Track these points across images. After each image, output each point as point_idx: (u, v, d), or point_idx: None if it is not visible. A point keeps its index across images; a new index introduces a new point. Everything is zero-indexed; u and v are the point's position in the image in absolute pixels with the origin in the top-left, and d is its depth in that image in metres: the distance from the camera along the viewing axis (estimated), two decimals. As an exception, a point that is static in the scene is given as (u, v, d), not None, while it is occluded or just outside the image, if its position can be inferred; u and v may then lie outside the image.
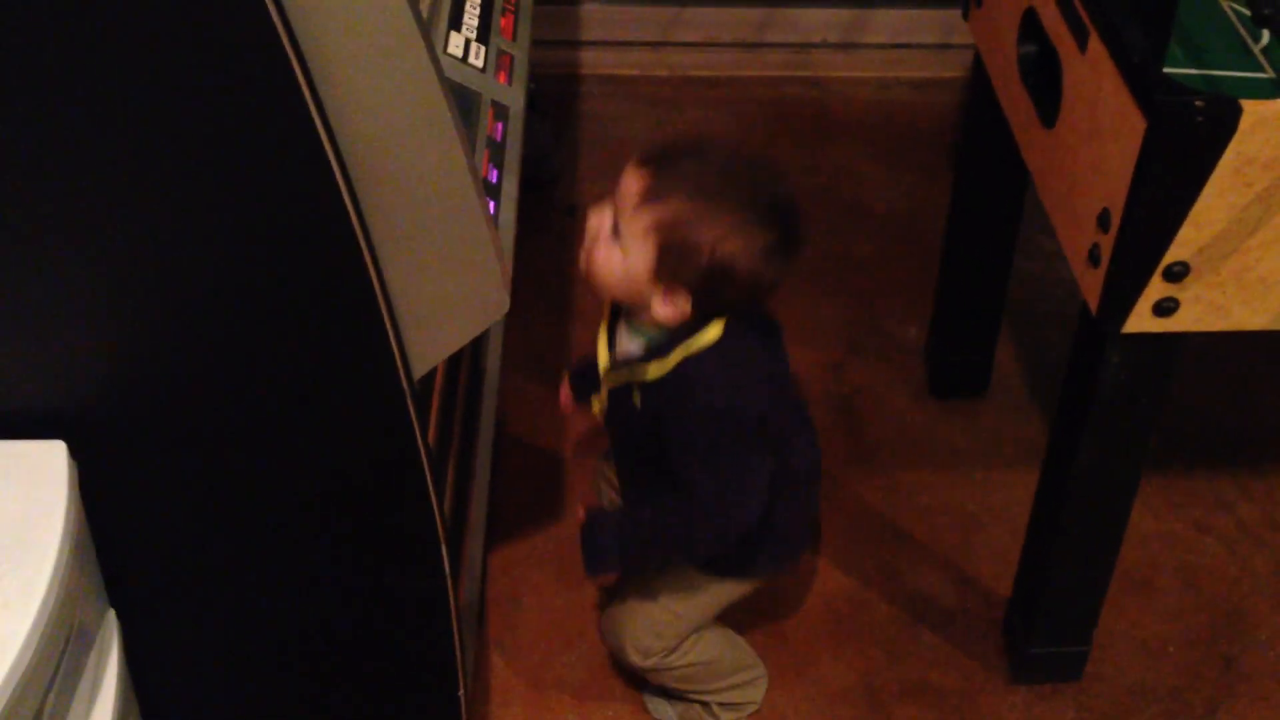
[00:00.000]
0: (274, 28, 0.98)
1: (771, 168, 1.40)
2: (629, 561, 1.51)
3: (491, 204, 1.29)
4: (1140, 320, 1.34)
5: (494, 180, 1.31)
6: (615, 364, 1.46)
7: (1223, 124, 1.21)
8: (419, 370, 1.21)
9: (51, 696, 1.14)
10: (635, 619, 1.58)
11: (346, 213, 1.08)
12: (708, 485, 1.42)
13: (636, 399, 1.44)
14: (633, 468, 1.60)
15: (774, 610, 1.78)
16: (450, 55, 1.36)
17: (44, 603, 1.10)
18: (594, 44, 2.76)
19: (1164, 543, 1.91)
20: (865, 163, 2.57)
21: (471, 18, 1.44)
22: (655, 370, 1.40)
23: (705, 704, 1.66)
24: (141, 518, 1.27)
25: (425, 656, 1.43)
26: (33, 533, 1.14)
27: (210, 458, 1.24)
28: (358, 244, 1.10)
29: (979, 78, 1.75)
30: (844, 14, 2.72)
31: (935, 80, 2.76)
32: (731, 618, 1.64)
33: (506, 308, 1.21)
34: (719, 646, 1.63)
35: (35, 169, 1.04)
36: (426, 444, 1.25)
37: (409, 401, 1.21)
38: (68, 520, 1.15)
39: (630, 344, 1.44)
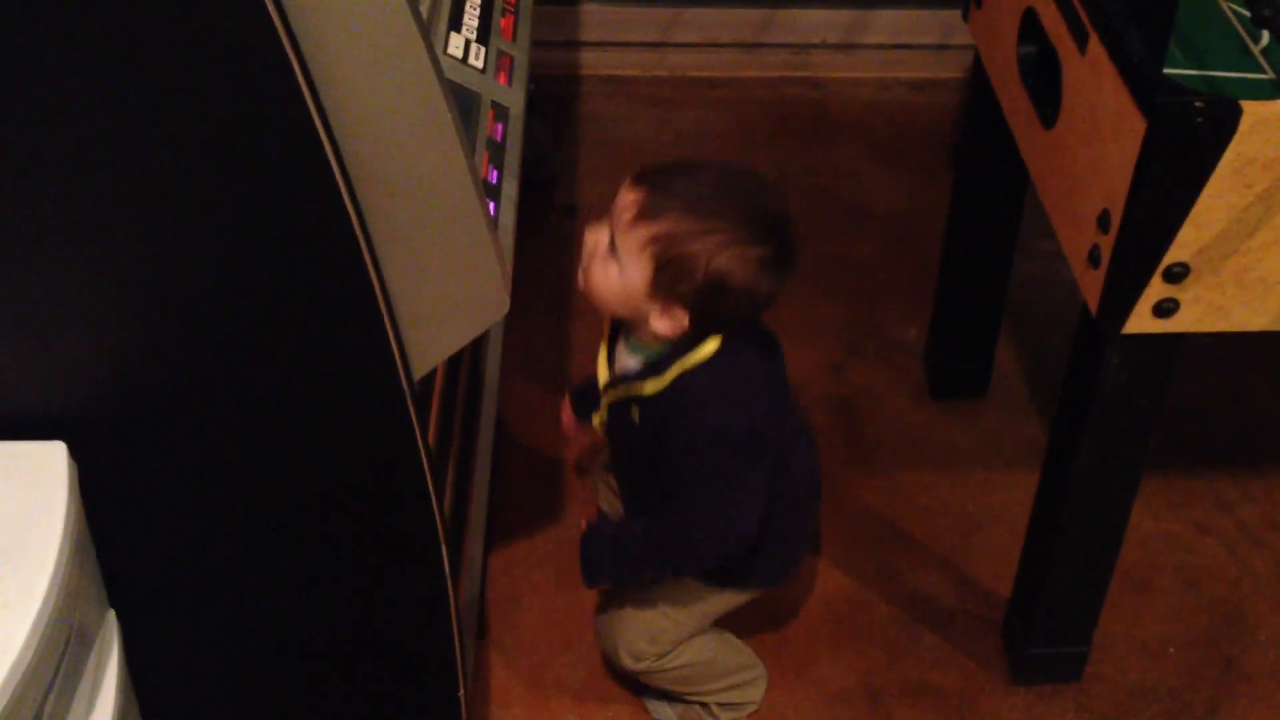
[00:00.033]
0: (274, 28, 0.98)
1: (765, 182, 1.42)
2: (625, 573, 1.53)
3: (491, 205, 1.29)
4: (1140, 321, 1.34)
5: (494, 181, 1.31)
6: (614, 380, 1.48)
7: (1222, 125, 1.21)
8: (419, 371, 1.21)
9: (51, 697, 1.14)
10: (631, 623, 1.58)
11: (346, 213, 1.08)
12: (702, 501, 1.43)
13: (635, 414, 1.45)
14: (633, 480, 1.61)
15: (774, 611, 1.78)
16: (450, 56, 1.36)
17: (44, 603, 1.10)
18: (594, 45, 2.76)
19: (1164, 543, 1.91)
20: (865, 163, 2.57)
21: (471, 18, 1.44)
22: (653, 386, 1.41)
23: (704, 704, 1.66)
24: (141, 518, 1.27)
25: (425, 656, 1.43)
26: (33, 533, 1.14)
27: (210, 458, 1.24)
28: (358, 245, 1.10)
29: (979, 78, 1.75)
30: (844, 15, 2.72)
31: (935, 81, 2.76)
32: (731, 619, 1.64)
33: (506, 308, 1.21)
34: (713, 649, 1.63)
35: (35, 169, 1.04)
36: (426, 444, 1.25)
37: (409, 402, 1.21)
38: (68, 521, 1.15)
39: (629, 360, 1.46)
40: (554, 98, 2.66)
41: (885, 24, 2.74)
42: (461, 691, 1.47)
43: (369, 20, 1.03)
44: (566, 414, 1.69)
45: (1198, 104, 1.20)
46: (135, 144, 1.03)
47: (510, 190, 1.33)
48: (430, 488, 1.27)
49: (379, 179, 1.09)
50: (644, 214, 1.35)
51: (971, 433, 2.06)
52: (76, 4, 0.96)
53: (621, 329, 1.49)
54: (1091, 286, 1.35)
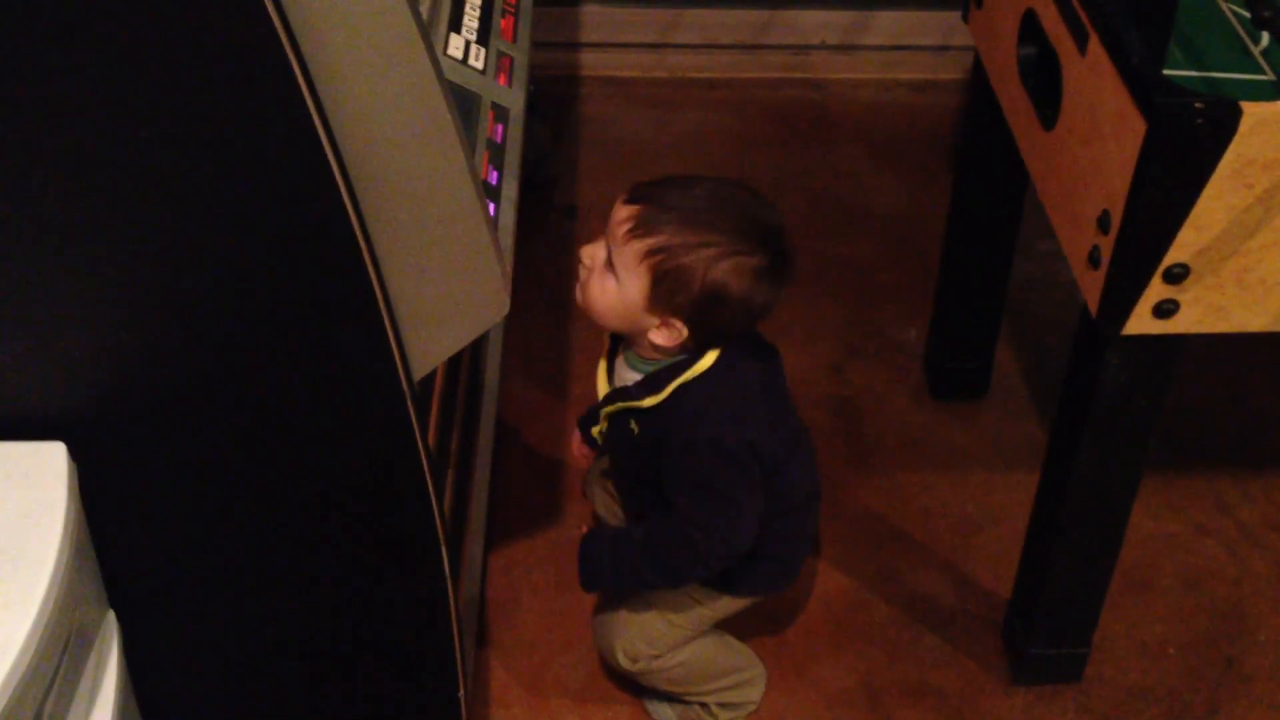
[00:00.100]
0: (274, 29, 0.98)
1: (758, 195, 1.44)
2: (623, 579, 1.53)
3: (491, 206, 1.29)
4: (1140, 322, 1.34)
5: (494, 182, 1.32)
6: (613, 394, 1.50)
7: (1222, 126, 1.21)
8: (419, 372, 1.21)
9: (51, 698, 1.14)
10: (629, 625, 1.58)
11: (347, 215, 1.08)
12: (697, 514, 1.45)
13: (634, 427, 1.46)
14: (632, 490, 1.63)
15: (774, 611, 1.78)
16: (450, 57, 1.36)
17: (43, 604, 1.10)
18: (593, 46, 2.76)
19: (1164, 544, 1.91)
20: (865, 164, 2.57)
21: (471, 19, 1.44)
22: (650, 400, 1.42)
23: (704, 704, 1.66)
24: (141, 519, 1.27)
25: (425, 657, 1.43)
26: (33, 534, 1.14)
27: (210, 459, 1.24)
28: (358, 246, 1.10)
29: (979, 80, 1.75)
30: (844, 16, 2.72)
31: (935, 82, 2.76)
32: (730, 620, 1.64)
33: (507, 309, 1.21)
34: (710, 649, 1.63)
35: (35, 169, 1.04)
36: (426, 445, 1.25)
37: (409, 403, 1.21)
38: (67, 522, 1.15)
39: (628, 374, 1.48)
40: (554, 99, 2.66)
41: (885, 25, 2.74)
42: (461, 692, 1.47)
43: (369, 21, 1.03)
44: (576, 443, 1.71)
45: (1198, 105, 1.20)
46: (135, 144, 1.03)
47: (510, 191, 1.33)
48: (430, 488, 1.27)
49: (379, 179, 1.09)
50: (640, 228, 1.37)
51: (971, 433, 2.06)
52: (76, 4, 0.96)
53: (621, 343, 1.50)
54: (1091, 287, 1.35)
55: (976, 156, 1.87)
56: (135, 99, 1.01)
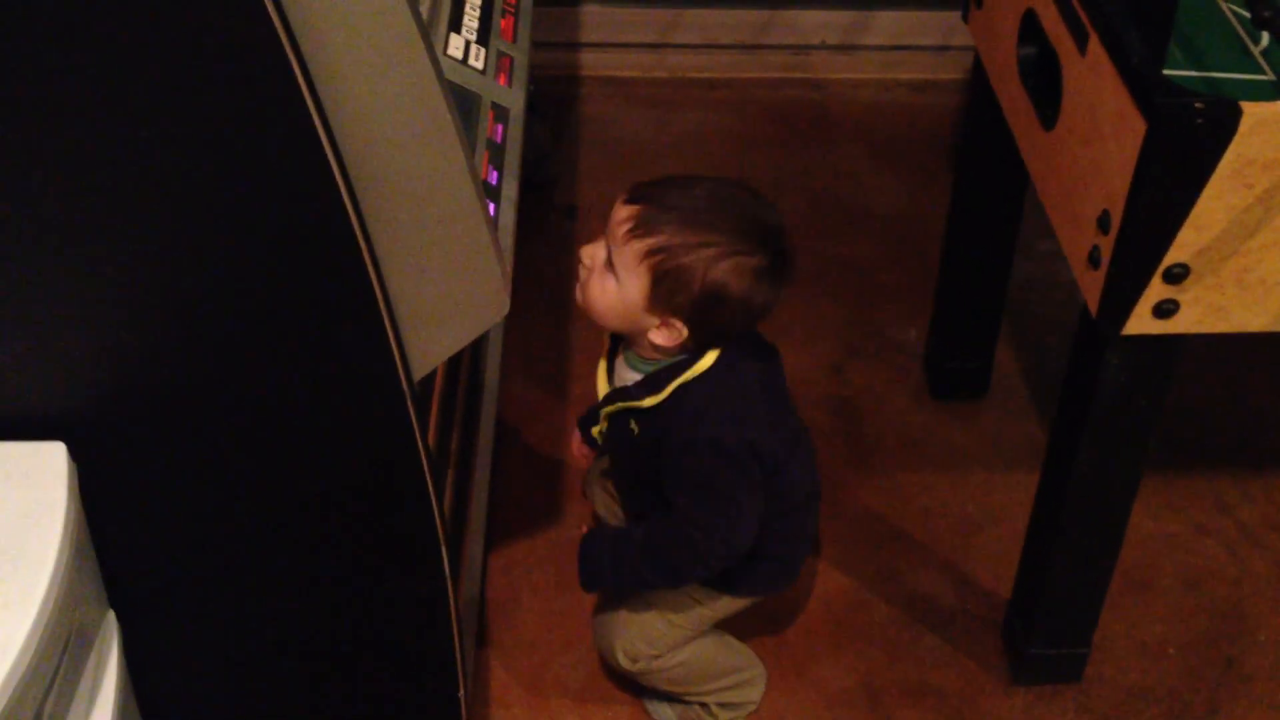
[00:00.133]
0: (274, 28, 0.98)
1: (758, 195, 1.44)
2: (623, 579, 1.53)
3: (491, 206, 1.29)
4: (1140, 322, 1.34)
5: (494, 182, 1.32)
6: (613, 394, 1.50)
7: (1222, 126, 1.21)
8: (419, 372, 1.21)
9: (51, 698, 1.14)
10: (629, 625, 1.58)
11: (347, 215, 1.08)
12: (697, 514, 1.45)
13: (634, 427, 1.46)
14: (633, 490, 1.63)
15: (773, 611, 1.78)
16: (450, 57, 1.36)
17: (43, 604, 1.10)
18: (593, 46, 2.76)
19: (1164, 544, 1.91)
20: (865, 164, 2.57)
21: (471, 19, 1.44)
22: (650, 400, 1.43)
23: (704, 704, 1.66)
24: (141, 519, 1.27)
25: (425, 657, 1.43)
26: (33, 534, 1.14)
27: (210, 459, 1.24)
28: (358, 246, 1.10)
29: (979, 80, 1.75)
30: (844, 16, 2.73)
31: (935, 82, 2.76)
32: (730, 620, 1.64)
33: (507, 309, 1.21)
34: (709, 649, 1.63)
35: (36, 169, 1.04)
36: (426, 445, 1.25)
37: (409, 403, 1.21)
38: (67, 522, 1.15)
39: (628, 374, 1.49)
40: (554, 99, 2.66)
41: (885, 25, 2.74)
42: (461, 692, 1.47)
43: (369, 21, 1.03)
44: (577, 443, 1.71)
45: (1198, 105, 1.20)
46: (135, 144, 1.03)
47: (510, 191, 1.33)
48: (430, 488, 1.27)
49: (379, 179, 1.09)
50: (640, 228, 1.37)
51: (971, 433, 2.06)
52: (76, 4, 0.96)
53: (621, 343, 1.50)
54: (1091, 287, 1.35)
55: (976, 156, 1.87)
56: (135, 99, 1.01)
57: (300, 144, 1.03)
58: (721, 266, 1.36)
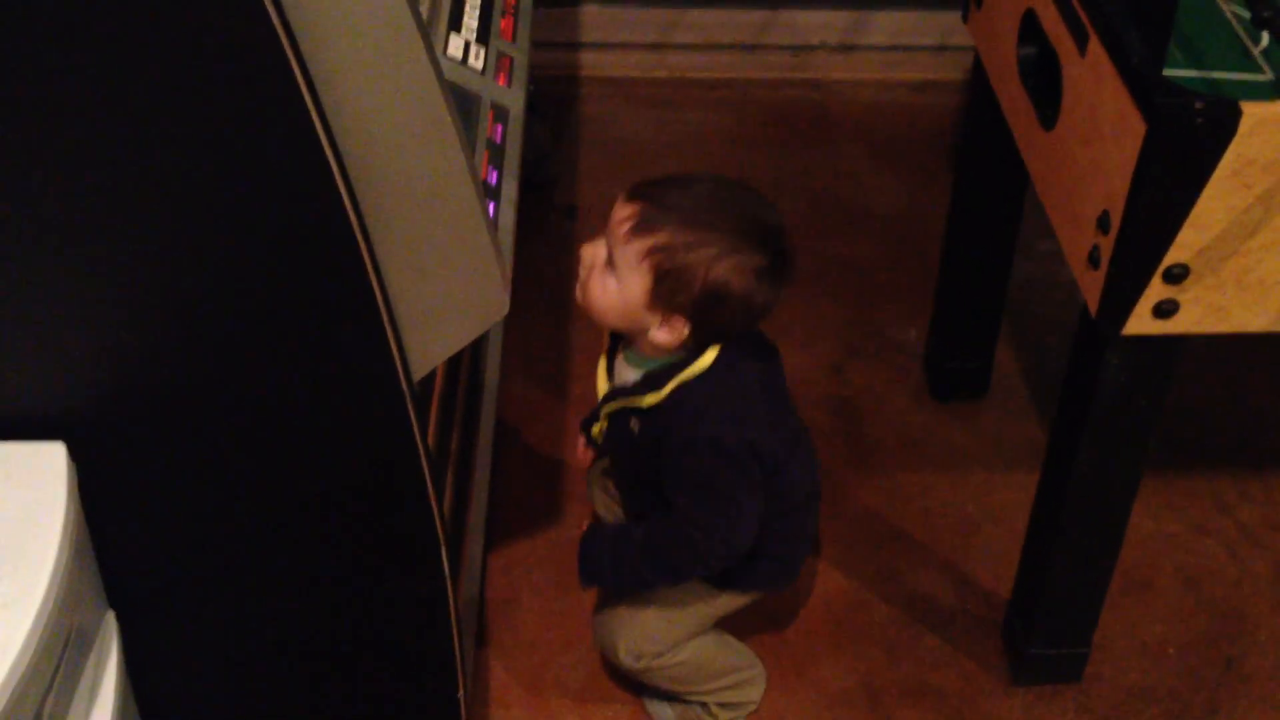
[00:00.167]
0: (274, 28, 0.98)
1: (758, 194, 1.43)
2: (623, 577, 1.53)
3: (491, 206, 1.29)
4: (1140, 322, 1.34)
5: (493, 182, 1.32)
6: (613, 393, 1.49)
7: (1222, 126, 1.21)
8: (419, 372, 1.21)
9: (51, 698, 1.14)
10: (630, 622, 1.58)
11: (346, 215, 1.08)
12: (697, 513, 1.45)
13: (635, 426, 1.46)
14: (633, 489, 1.63)
15: (773, 612, 1.78)
16: (450, 57, 1.36)
17: (43, 604, 1.10)
18: (593, 46, 2.76)
19: (1164, 544, 1.91)
20: (865, 165, 2.57)
21: (471, 19, 1.44)
22: (651, 399, 1.43)
23: (704, 704, 1.66)
24: (141, 519, 1.27)
25: (425, 657, 1.43)
26: (32, 534, 1.14)
27: (210, 458, 1.24)
28: (357, 246, 1.10)
29: (979, 80, 1.75)
30: (843, 16, 2.72)
31: (935, 82, 2.76)
32: (730, 619, 1.64)
33: (506, 309, 1.21)
34: (711, 648, 1.63)
35: (36, 170, 1.04)
36: (426, 445, 1.25)
37: (409, 403, 1.21)
38: (67, 522, 1.15)
39: (628, 373, 1.48)
40: (554, 99, 2.66)
41: (885, 25, 2.74)
42: (461, 692, 1.47)
43: (369, 21, 1.03)
44: (580, 446, 1.70)
45: (1197, 105, 1.20)
46: (135, 144, 1.03)
47: (510, 191, 1.33)
48: (430, 488, 1.27)
49: (379, 180, 1.09)
50: (641, 227, 1.37)
51: (971, 434, 2.06)
52: (76, 4, 0.96)
53: (620, 342, 1.50)
54: (1091, 287, 1.35)
55: (976, 156, 1.87)
56: (135, 99, 1.01)
57: (300, 144, 1.03)
58: (723, 266, 1.36)
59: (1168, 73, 1.28)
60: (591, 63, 2.77)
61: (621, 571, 1.52)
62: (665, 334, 1.40)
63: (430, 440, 1.32)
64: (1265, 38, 1.37)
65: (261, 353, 1.16)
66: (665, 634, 1.58)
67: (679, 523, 1.46)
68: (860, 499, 1.95)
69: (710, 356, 1.42)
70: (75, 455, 1.19)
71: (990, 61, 1.67)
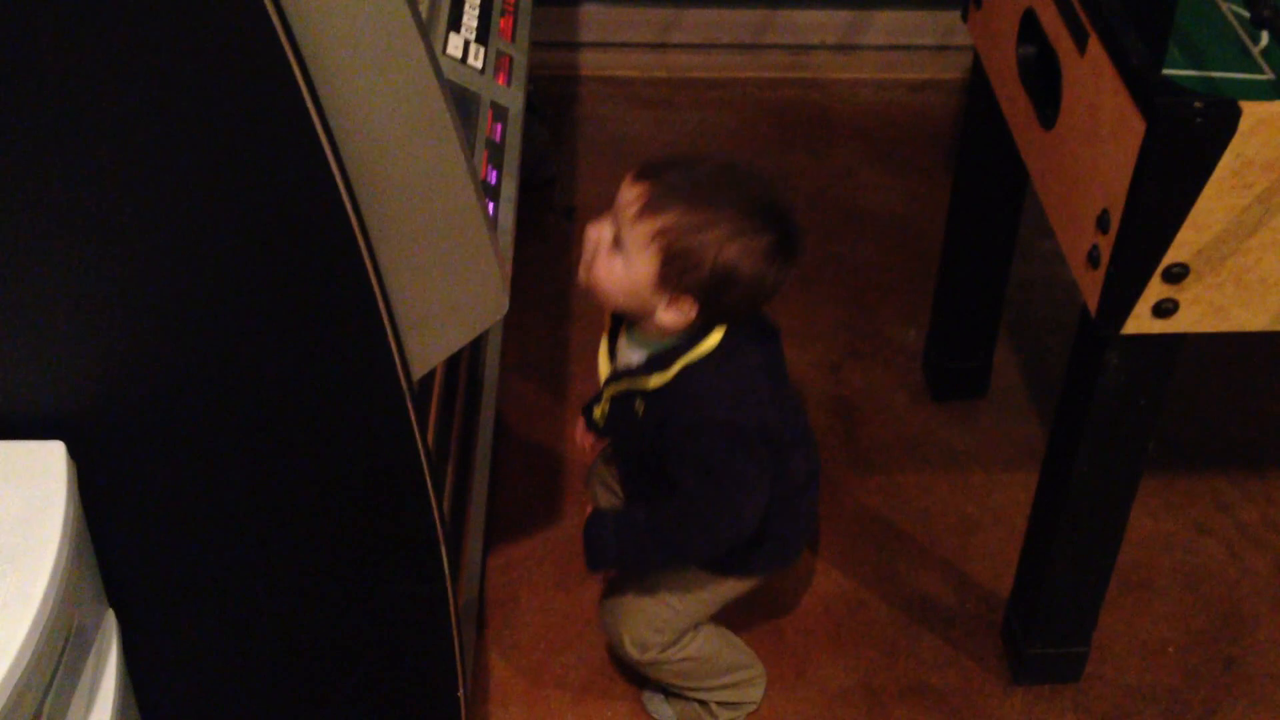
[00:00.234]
0: (273, 28, 0.98)
1: (764, 175, 1.43)
2: (627, 559, 1.53)
3: (490, 205, 1.29)
4: (1139, 322, 1.34)
5: (493, 182, 1.32)
6: (617, 374, 1.48)
7: (1222, 126, 1.21)
8: (418, 371, 1.21)
9: (50, 697, 1.14)
10: (634, 613, 1.58)
11: (345, 214, 1.08)
12: (703, 494, 1.44)
13: (639, 408, 1.45)
14: (636, 473, 1.61)
15: (773, 611, 1.78)
16: (449, 56, 1.36)
17: (43, 603, 1.10)
18: (593, 45, 2.76)
19: (1163, 544, 1.91)
20: (864, 164, 2.57)
21: (471, 19, 1.44)
22: (657, 380, 1.42)
23: (704, 703, 1.66)
24: (141, 518, 1.27)
25: (425, 656, 1.43)
26: (32, 533, 1.14)
27: (209, 459, 1.24)
28: (357, 245, 1.10)
29: (978, 79, 1.76)
30: (843, 16, 2.73)
31: (934, 82, 2.76)
32: (730, 618, 1.64)
33: (505, 309, 1.21)
34: (716, 643, 1.63)
35: (35, 170, 1.04)
36: (425, 445, 1.25)
37: (408, 403, 1.21)
38: (67, 521, 1.15)
39: (632, 354, 1.46)
40: (553, 98, 2.66)
41: (884, 25, 2.74)
42: (461, 691, 1.47)
43: (369, 20, 1.03)
44: (580, 430, 1.69)
45: (1197, 105, 1.20)
46: (134, 144, 1.03)
47: (509, 191, 1.33)
48: (430, 488, 1.27)
49: (378, 179, 1.09)
50: (649, 208, 1.35)
51: (971, 434, 2.06)
52: (76, 4, 0.96)
53: (623, 323, 1.49)
54: (1091, 287, 1.35)
55: (976, 156, 1.87)
56: (135, 99, 1.01)
57: (299, 144, 1.03)
58: (732, 246, 1.35)
59: (1167, 72, 1.28)
60: (591, 62, 2.77)
61: (627, 552, 1.51)
62: (672, 315, 1.38)
63: (430, 440, 1.32)
64: (1265, 37, 1.37)
65: (261, 352, 1.16)
66: (668, 623, 1.57)
67: (687, 502, 1.45)
68: (860, 499, 1.95)
69: (716, 337, 1.40)
70: (75, 455, 1.19)
71: (990, 61, 1.67)
